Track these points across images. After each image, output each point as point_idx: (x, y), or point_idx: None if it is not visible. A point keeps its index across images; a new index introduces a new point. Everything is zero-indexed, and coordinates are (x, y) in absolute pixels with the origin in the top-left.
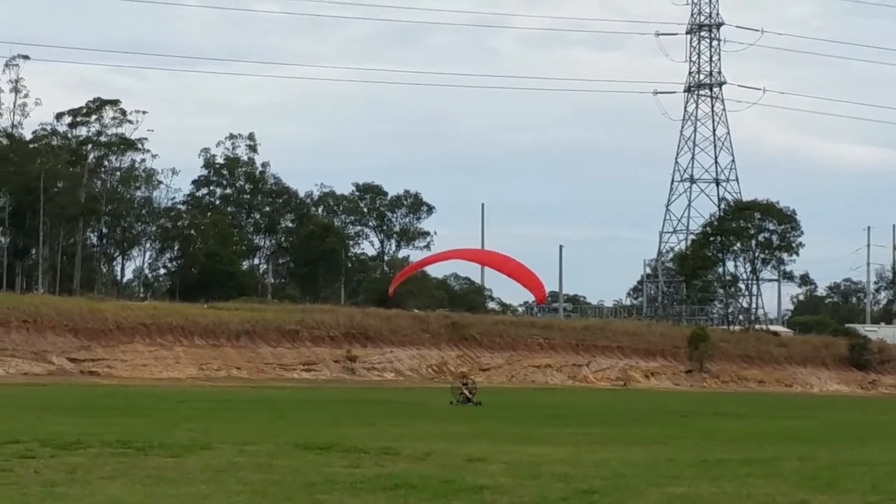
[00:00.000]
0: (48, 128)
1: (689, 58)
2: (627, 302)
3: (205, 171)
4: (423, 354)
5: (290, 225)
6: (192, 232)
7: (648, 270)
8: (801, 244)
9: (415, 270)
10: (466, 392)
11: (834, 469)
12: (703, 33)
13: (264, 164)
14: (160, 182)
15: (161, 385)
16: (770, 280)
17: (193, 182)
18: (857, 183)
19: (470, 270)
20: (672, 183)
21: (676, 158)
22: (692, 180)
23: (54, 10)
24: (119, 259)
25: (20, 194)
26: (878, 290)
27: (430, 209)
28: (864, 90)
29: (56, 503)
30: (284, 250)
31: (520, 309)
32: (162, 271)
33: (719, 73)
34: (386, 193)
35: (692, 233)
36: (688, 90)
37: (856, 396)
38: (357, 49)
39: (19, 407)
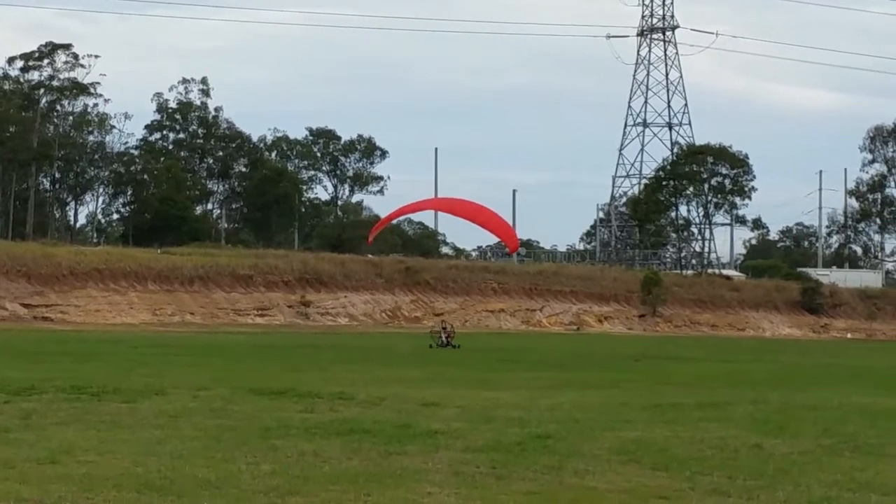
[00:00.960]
0: None
1: (642, 1)
2: (581, 246)
3: (158, 116)
4: (376, 299)
5: (244, 170)
6: (146, 177)
7: (602, 215)
8: (753, 188)
9: (391, 220)
10: (444, 336)
11: (786, 412)
12: None
13: (217, 109)
14: (113, 127)
15: (115, 330)
16: (722, 224)
17: (146, 127)
18: (810, 127)
19: (424, 216)
20: (625, 127)
21: (629, 103)
22: (645, 124)
23: None
24: (72, 204)
25: None
26: (829, 235)
27: (384, 154)
28: (816, 34)
29: (10, 449)
30: (238, 195)
31: (473, 254)
32: (115, 216)
33: (672, 16)
34: (339, 138)
35: (645, 177)
36: (641, 34)
37: (808, 340)
38: None
39: None
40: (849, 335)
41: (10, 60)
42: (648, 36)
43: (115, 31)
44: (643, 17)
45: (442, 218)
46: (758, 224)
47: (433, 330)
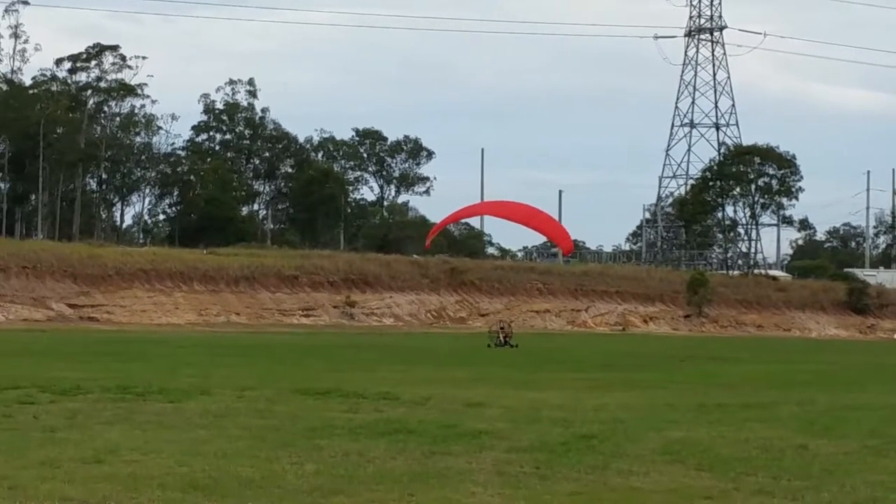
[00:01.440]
0: (48, 73)
1: (690, 2)
2: (626, 247)
3: (204, 117)
4: (422, 300)
5: (290, 170)
6: (192, 178)
7: (648, 215)
8: (800, 189)
9: (449, 224)
10: (502, 335)
11: (832, 413)
12: None
13: (264, 110)
14: (160, 128)
15: (160, 331)
16: (769, 225)
17: (193, 128)
18: (857, 127)
19: None
20: (672, 128)
21: (676, 103)
22: (692, 125)
23: None
24: (118, 205)
25: (20, 140)
26: (877, 235)
27: (430, 154)
28: (863, 34)
29: (55, 448)
30: (284, 196)
31: (519, 254)
32: (161, 217)
33: (720, 17)
34: (386, 139)
35: (692, 178)
36: (688, 34)
37: (854, 341)
38: None
39: (18, 353)
40: None
41: (59, 62)
42: (696, 36)
43: (163, 33)
44: (690, 17)
45: (488, 219)
46: (805, 225)
47: (491, 329)
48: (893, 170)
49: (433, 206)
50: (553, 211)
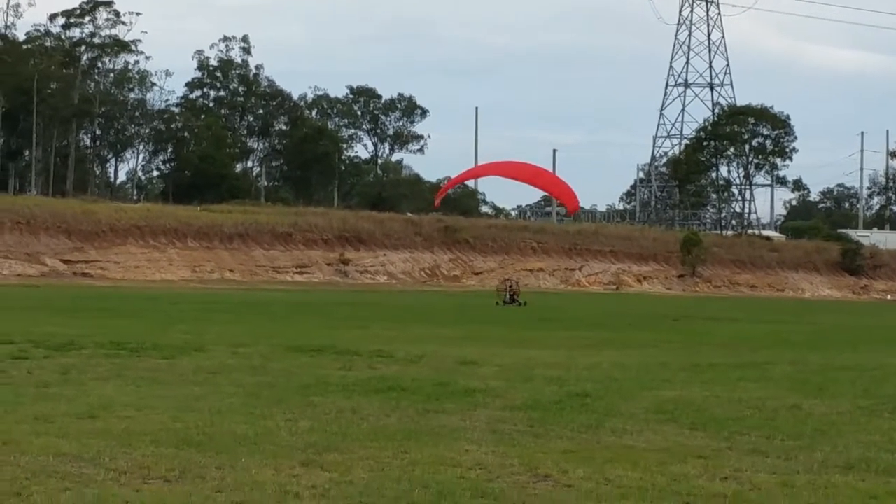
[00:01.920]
0: (41, 29)
1: None
2: (620, 206)
3: (198, 74)
4: (415, 258)
5: (284, 128)
6: (186, 134)
7: (642, 175)
8: (794, 149)
9: (457, 184)
10: (509, 294)
11: (825, 373)
12: None
13: (258, 67)
14: (154, 84)
15: (154, 287)
16: (763, 185)
17: (187, 84)
18: (852, 88)
19: None
20: (666, 87)
21: (671, 63)
22: (686, 85)
23: None
24: (112, 161)
25: (13, 95)
26: (870, 196)
27: (424, 112)
28: None
29: (49, 403)
30: (278, 153)
31: (513, 213)
32: (155, 173)
33: None
34: (380, 97)
35: (686, 137)
36: None
37: (847, 301)
38: None
39: (12, 308)
40: (889, 297)
41: (52, 17)
42: None
43: None
44: None
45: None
46: (798, 185)
47: (499, 288)
48: (888, 131)
49: (427, 164)
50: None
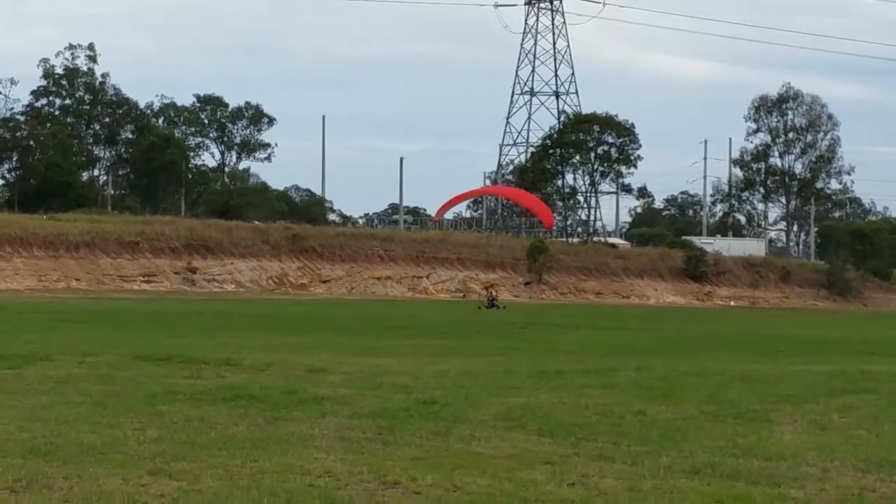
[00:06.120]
0: None
1: None
2: (467, 214)
3: (44, 82)
4: (263, 266)
5: (131, 136)
6: (31, 143)
7: (488, 183)
8: (639, 157)
9: (455, 204)
10: (489, 299)
11: (670, 379)
12: None
13: (104, 75)
14: None
15: None
16: (608, 193)
17: (32, 93)
18: (695, 97)
19: (311, 182)
20: (512, 96)
21: (517, 71)
22: (532, 93)
23: None
24: None
25: None
26: (714, 203)
27: (272, 121)
28: (701, 4)
29: None
30: (124, 161)
31: (360, 221)
32: (0, 182)
33: None
34: (227, 105)
35: (532, 145)
36: (528, 3)
37: (691, 307)
38: None
39: None
40: (732, 303)
41: None
42: (536, 5)
43: None
44: None
45: (329, 184)
46: (643, 193)
47: (481, 294)
48: (730, 139)
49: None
50: (394, 178)
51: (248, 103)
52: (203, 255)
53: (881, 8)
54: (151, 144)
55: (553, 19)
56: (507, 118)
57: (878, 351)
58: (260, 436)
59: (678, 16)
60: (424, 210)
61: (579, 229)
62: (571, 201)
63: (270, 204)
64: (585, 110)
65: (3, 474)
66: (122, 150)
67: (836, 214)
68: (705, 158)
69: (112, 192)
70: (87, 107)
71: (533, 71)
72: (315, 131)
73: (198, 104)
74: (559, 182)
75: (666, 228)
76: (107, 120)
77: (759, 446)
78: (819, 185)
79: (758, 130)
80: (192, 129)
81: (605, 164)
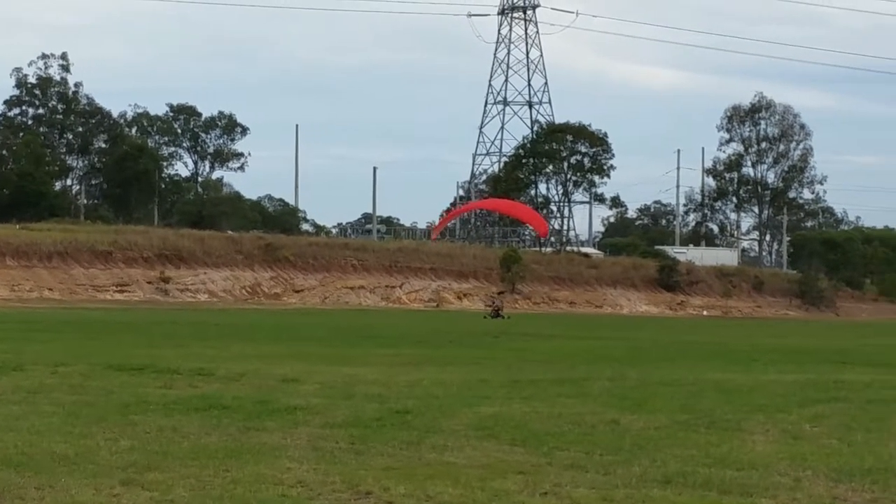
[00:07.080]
0: None
1: None
2: None
3: (17, 91)
4: (236, 276)
5: (104, 146)
6: (4, 152)
7: (462, 192)
8: (612, 167)
9: (453, 218)
10: (494, 308)
11: (643, 389)
12: None
13: (77, 85)
14: None
15: None
16: (581, 202)
17: (5, 102)
18: (668, 106)
19: (284, 192)
20: (486, 105)
21: (490, 81)
22: (506, 103)
23: None
24: None
25: None
26: (687, 213)
27: (245, 130)
28: (674, 15)
29: None
30: (97, 171)
31: (333, 230)
32: None
33: None
34: (200, 114)
35: (505, 155)
36: (501, 12)
37: (665, 317)
38: None
39: None
40: (705, 312)
41: None
42: (509, 14)
43: None
44: None
45: (303, 194)
46: (616, 202)
47: (486, 304)
48: (703, 148)
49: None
50: (367, 187)
51: (221, 112)
52: (176, 264)
53: (849, 18)
54: (124, 154)
55: (526, 29)
56: (481, 128)
57: (850, 360)
58: (233, 446)
59: (651, 25)
60: (398, 220)
61: (552, 239)
62: (545, 211)
63: (244, 213)
64: (559, 120)
65: None
66: (95, 159)
67: (809, 224)
68: (678, 168)
69: (85, 201)
70: (60, 116)
71: (506, 80)
72: (288, 140)
73: (171, 113)
74: (532, 192)
75: (639, 238)
76: (80, 129)
77: (731, 456)
78: (791, 194)
79: (730, 140)
80: (166, 138)
81: (578, 174)
